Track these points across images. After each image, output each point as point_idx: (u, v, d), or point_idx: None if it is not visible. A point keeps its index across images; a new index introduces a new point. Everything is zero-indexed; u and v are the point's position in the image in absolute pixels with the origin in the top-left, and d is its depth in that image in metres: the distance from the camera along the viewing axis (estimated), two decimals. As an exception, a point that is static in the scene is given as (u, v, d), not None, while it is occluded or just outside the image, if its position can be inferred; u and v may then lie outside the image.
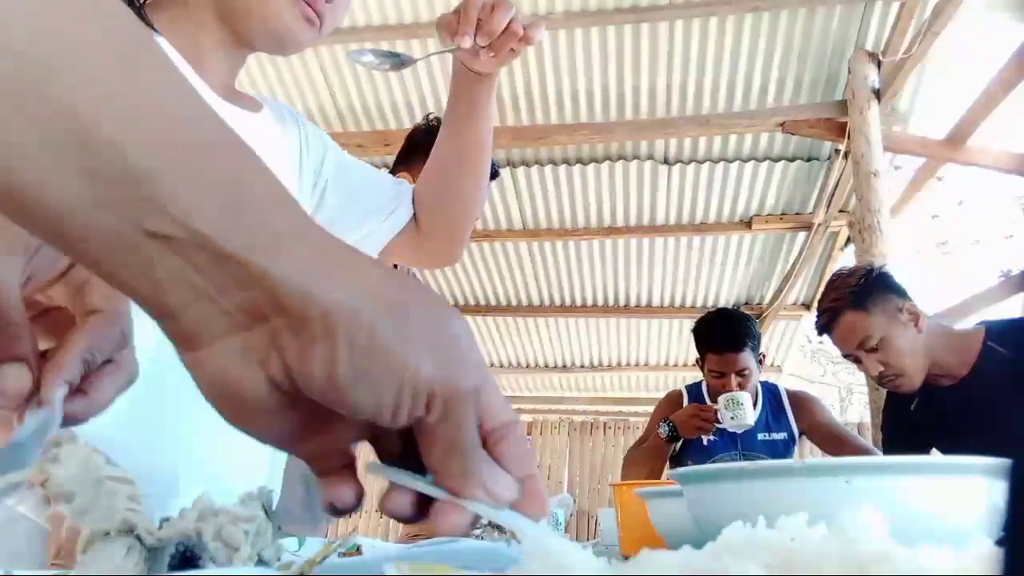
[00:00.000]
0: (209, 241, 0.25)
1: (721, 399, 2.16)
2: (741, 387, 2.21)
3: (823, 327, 1.87)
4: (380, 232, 0.99)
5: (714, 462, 2.23)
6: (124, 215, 0.24)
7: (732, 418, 2.13)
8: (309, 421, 0.30)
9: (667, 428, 2.22)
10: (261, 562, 0.32)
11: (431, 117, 1.85)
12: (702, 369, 2.34)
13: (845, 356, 1.88)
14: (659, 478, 2.37)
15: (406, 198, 1.02)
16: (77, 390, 0.37)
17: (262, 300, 0.26)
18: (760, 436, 2.29)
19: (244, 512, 0.32)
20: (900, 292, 1.82)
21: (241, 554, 0.32)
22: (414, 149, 1.71)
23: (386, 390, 0.27)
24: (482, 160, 0.99)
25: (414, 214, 1.02)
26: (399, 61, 0.87)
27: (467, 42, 0.81)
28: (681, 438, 2.26)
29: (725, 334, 2.28)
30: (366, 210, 0.98)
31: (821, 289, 2.93)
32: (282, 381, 0.27)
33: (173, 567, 0.31)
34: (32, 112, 0.23)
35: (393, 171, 1.75)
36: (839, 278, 1.90)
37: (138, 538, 0.31)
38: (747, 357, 2.24)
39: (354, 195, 0.98)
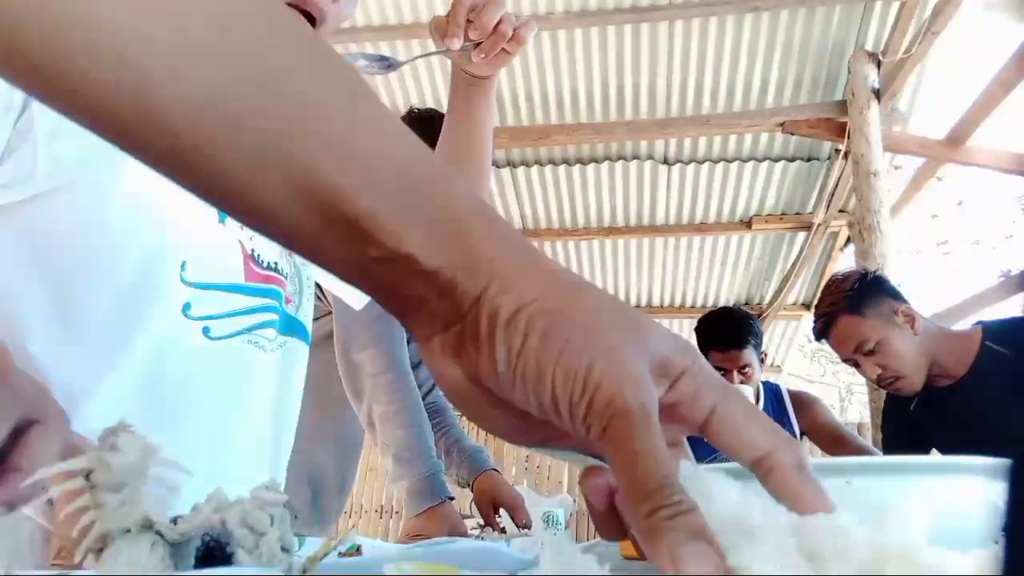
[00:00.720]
0: (415, 261, 0.30)
1: None
2: (743, 384, 2.22)
3: (820, 333, 1.88)
4: None
5: (714, 459, 2.24)
6: (353, 247, 0.30)
7: None
8: (532, 423, 0.32)
9: None
10: (284, 550, 0.32)
11: (412, 109, 1.85)
12: None
13: (844, 360, 1.89)
14: None
15: None
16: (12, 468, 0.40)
17: (450, 309, 0.30)
18: None
19: (270, 496, 0.33)
20: (895, 295, 1.84)
21: (268, 538, 0.32)
22: None
23: (542, 388, 0.28)
24: (480, 165, 0.98)
25: None
26: (387, 64, 0.86)
27: (456, 43, 0.80)
28: None
29: (728, 331, 2.30)
30: None
31: (821, 289, 2.92)
32: (473, 376, 0.31)
33: (199, 559, 0.31)
34: (280, 174, 0.29)
35: None
36: (833, 284, 1.92)
37: (159, 534, 0.30)
38: (749, 354, 2.26)
39: None
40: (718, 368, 2.28)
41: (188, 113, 0.27)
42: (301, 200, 0.29)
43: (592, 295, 0.30)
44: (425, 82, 3.85)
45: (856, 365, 1.84)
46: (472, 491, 1.65)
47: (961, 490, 0.47)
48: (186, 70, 0.27)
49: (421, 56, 0.94)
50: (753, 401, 2.17)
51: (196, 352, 0.72)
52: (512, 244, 0.31)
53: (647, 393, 0.28)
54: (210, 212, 0.73)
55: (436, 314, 0.31)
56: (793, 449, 0.28)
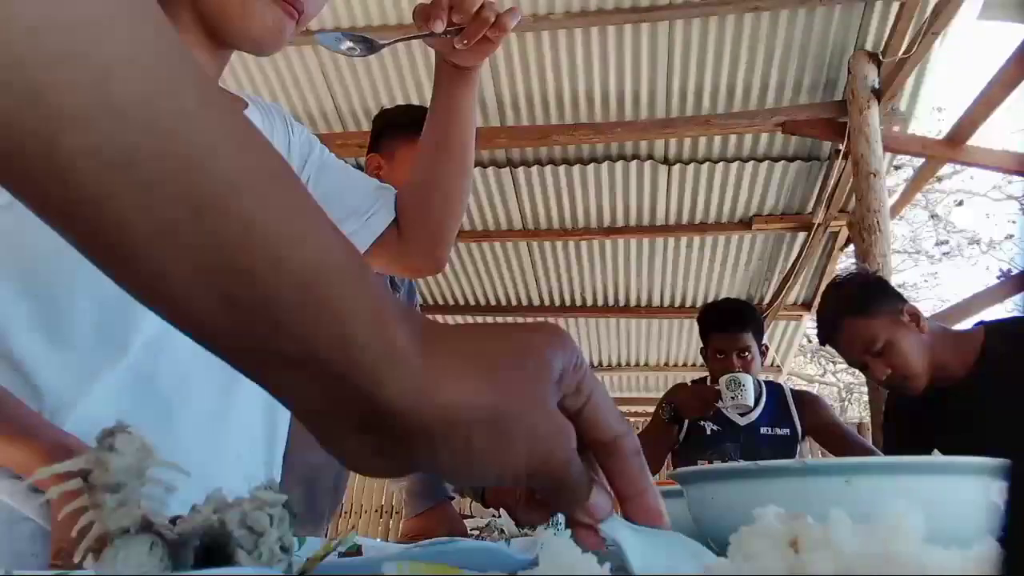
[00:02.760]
0: (325, 365, 0.29)
1: (723, 379, 2.18)
2: (744, 370, 2.22)
3: (826, 337, 1.87)
4: (361, 234, 0.98)
5: (715, 451, 2.26)
6: (257, 340, 0.28)
7: (733, 398, 2.15)
8: None
9: (669, 410, 2.26)
10: (283, 550, 0.32)
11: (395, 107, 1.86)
12: (705, 357, 2.36)
13: (851, 363, 1.87)
14: (662, 463, 2.40)
15: (388, 200, 1.01)
16: None
17: (370, 416, 0.30)
18: (763, 430, 2.31)
19: (270, 496, 0.33)
20: (897, 295, 1.83)
21: (268, 539, 0.32)
22: (381, 131, 1.71)
23: (487, 476, 0.32)
24: (463, 158, 0.98)
25: (396, 219, 1.01)
26: (368, 46, 0.86)
27: (439, 26, 0.80)
28: (683, 419, 2.29)
29: (728, 314, 2.34)
30: (346, 210, 0.97)
31: (821, 289, 2.91)
32: (403, 468, 0.32)
33: (198, 560, 0.31)
34: (186, 250, 0.27)
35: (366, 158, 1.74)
36: (835, 287, 1.91)
37: (158, 534, 0.30)
38: (749, 338, 2.28)
39: (335, 195, 0.97)
40: (718, 352, 2.28)
41: (96, 169, 0.25)
42: (202, 277, 0.27)
43: (518, 388, 0.32)
44: (424, 77, 3.84)
45: (863, 367, 1.83)
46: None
47: (961, 490, 0.46)
48: (100, 123, 0.25)
49: (403, 39, 0.92)
50: (753, 395, 2.19)
51: (192, 351, 0.72)
52: (424, 351, 0.31)
53: (568, 439, 0.33)
54: None
55: (351, 417, 0.30)
56: (634, 437, 0.35)
